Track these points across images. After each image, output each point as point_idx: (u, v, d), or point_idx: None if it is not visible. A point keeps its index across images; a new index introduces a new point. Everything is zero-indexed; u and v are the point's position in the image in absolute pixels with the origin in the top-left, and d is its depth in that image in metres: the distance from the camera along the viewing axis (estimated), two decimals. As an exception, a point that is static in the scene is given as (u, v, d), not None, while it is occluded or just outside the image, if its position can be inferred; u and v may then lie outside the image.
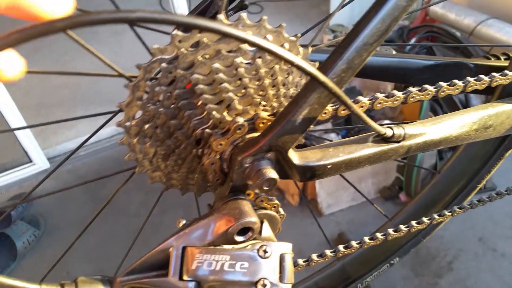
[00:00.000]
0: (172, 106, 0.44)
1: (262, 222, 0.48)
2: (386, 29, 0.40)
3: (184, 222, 0.43)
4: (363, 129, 1.81)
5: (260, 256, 0.41)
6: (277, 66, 0.46)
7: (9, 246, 1.85)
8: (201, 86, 0.43)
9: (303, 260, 0.62)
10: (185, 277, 0.40)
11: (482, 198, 0.76)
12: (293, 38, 0.47)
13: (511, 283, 1.64)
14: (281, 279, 0.40)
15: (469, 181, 0.83)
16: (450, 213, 0.73)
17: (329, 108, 0.46)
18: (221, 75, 0.43)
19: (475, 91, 0.57)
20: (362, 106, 0.47)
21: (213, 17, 0.60)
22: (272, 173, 0.42)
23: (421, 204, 0.87)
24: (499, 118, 0.62)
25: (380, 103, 0.49)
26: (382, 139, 0.49)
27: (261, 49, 0.29)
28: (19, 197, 2.08)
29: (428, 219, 0.71)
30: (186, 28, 0.41)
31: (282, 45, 0.46)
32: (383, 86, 2.00)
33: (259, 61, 0.45)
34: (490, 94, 0.72)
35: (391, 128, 0.49)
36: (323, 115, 0.45)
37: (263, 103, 0.46)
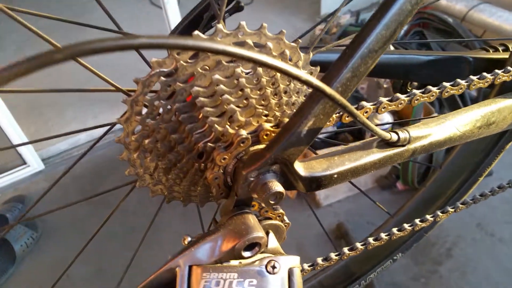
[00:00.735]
0: (172, 120, 0.43)
1: (267, 233, 0.48)
2: (391, 35, 0.39)
3: (189, 239, 0.42)
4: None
5: (269, 272, 0.40)
6: (278, 75, 0.45)
7: (7, 249, 1.83)
8: (201, 98, 0.42)
9: (308, 265, 0.61)
10: (193, 297, 0.39)
11: (484, 193, 0.76)
12: (293, 44, 0.45)
13: (510, 267, 1.66)
14: (291, 293, 0.40)
15: (470, 175, 0.82)
16: (453, 209, 0.73)
17: (333, 115, 0.45)
18: (222, 86, 0.42)
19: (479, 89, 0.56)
20: (366, 112, 0.46)
21: (210, 20, 0.58)
22: (278, 187, 0.41)
23: (423, 199, 0.87)
24: (502, 114, 0.62)
25: (384, 107, 0.48)
26: (387, 143, 0.48)
27: (267, 67, 0.27)
28: (14, 199, 2.05)
29: (431, 217, 0.71)
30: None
31: (283, 52, 0.45)
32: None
33: (260, 70, 0.43)
34: (489, 87, 0.71)
35: (396, 132, 0.48)
36: (328, 123, 0.44)
37: (266, 113, 0.45)
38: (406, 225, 0.69)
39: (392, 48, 0.75)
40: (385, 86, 1.94)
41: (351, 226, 1.82)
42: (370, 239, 0.66)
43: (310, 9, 2.97)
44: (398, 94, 0.49)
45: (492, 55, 0.77)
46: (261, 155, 0.41)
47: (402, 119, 2.05)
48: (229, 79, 0.42)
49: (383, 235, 0.67)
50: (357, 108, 0.46)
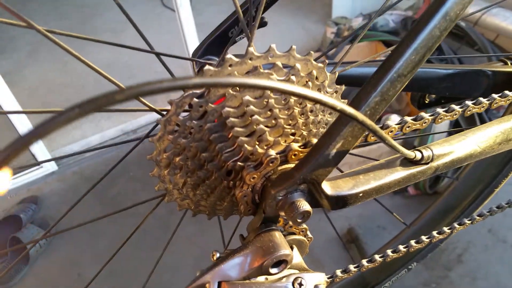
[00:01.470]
0: (203, 139, 0.44)
1: (292, 248, 0.49)
2: (420, 59, 0.40)
3: (218, 255, 0.44)
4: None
5: (296, 289, 0.41)
6: (305, 94, 0.46)
7: (21, 250, 1.86)
8: (232, 119, 0.43)
9: (328, 277, 0.62)
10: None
11: (501, 205, 0.77)
12: (320, 65, 0.46)
13: (521, 274, 1.65)
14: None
15: (486, 187, 0.83)
16: (470, 221, 0.73)
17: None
18: (252, 107, 0.43)
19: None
20: (391, 131, 0.47)
21: (237, 35, 0.59)
22: (305, 206, 0.42)
23: (439, 209, 0.88)
24: (521, 129, 0.62)
25: (409, 126, 0.49)
26: (411, 161, 0.49)
27: (307, 99, 0.28)
28: (28, 200, 2.08)
29: (448, 229, 0.72)
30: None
31: (310, 72, 0.46)
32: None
33: (288, 90, 0.44)
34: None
35: (420, 151, 0.49)
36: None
37: (293, 131, 0.46)
38: (424, 238, 0.70)
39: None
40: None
41: (361, 230, 1.82)
42: (389, 251, 0.67)
43: (321, 11, 2.98)
44: (423, 113, 0.49)
45: (511, 68, 0.77)
46: (290, 175, 0.42)
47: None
48: (259, 100, 0.44)
49: (401, 247, 0.68)
50: (382, 128, 0.47)
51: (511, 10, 2.25)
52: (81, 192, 2.23)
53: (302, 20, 2.97)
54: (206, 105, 0.43)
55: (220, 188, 0.48)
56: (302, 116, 0.46)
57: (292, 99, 0.45)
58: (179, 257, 1.77)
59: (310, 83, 0.46)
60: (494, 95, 0.55)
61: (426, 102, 0.80)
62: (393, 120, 2.00)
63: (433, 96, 0.79)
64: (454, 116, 0.52)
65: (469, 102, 0.53)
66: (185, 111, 0.43)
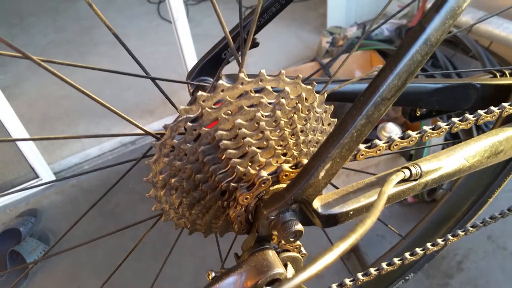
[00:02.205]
0: (197, 161, 0.46)
1: (286, 265, 0.50)
2: (403, 84, 0.41)
3: (213, 274, 0.45)
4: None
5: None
6: (295, 116, 0.47)
7: (20, 263, 1.86)
8: (225, 141, 0.45)
9: (323, 290, 0.63)
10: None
11: (494, 215, 0.78)
12: (309, 87, 0.48)
13: (522, 281, 1.66)
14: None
15: (480, 197, 0.84)
16: (463, 232, 0.75)
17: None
18: (243, 129, 0.45)
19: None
20: (379, 150, 0.49)
21: (229, 56, 0.61)
22: (297, 226, 0.43)
23: (433, 220, 0.89)
24: (510, 143, 0.64)
25: (396, 144, 0.50)
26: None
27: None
28: (27, 213, 2.09)
29: (442, 241, 0.73)
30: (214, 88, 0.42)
31: (299, 95, 0.47)
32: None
33: (278, 113, 0.46)
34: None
35: (408, 168, 0.50)
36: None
37: (284, 152, 0.48)
38: (418, 250, 0.71)
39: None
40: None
41: (361, 240, 1.83)
42: (384, 264, 0.68)
43: (316, 21, 3.01)
44: (409, 132, 0.51)
45: (500, 80, 0.79)
46: (281, 195, 0.44)
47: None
48: (250, 122, 0.45)
49: (396, 260, 0.69)
50: (370, 147, 0.49)
51: (504, 18, 2.28)
52: (80, 204, 2.23)
53: (296, 30, 3.00)
54: (199, 129, 0.44)
55: (215, 208, 0.49)
56: (292, 136, 0.48)
57: (283, 121, 0.46)
58: (179, 268, 1.77)
59: (299, 105, 0.47)
60: (480, 112, 0.57)
61: (418, 115, 0.81)
62: (389, 128, 2.01)
63: (424, 109, 0.80)
64: (441, 134, 0.53)
65: (455, 119, 0.55)
66: (179, 134, 0.45)
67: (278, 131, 0.47)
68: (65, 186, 2.19)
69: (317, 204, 0.45)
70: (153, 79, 0.51)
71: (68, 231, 0.58)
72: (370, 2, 2.84)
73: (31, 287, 1.82)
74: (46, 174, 2.18)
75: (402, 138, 0.51)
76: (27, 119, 2.39)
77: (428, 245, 0.72)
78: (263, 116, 0.45)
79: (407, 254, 0.71)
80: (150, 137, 2.43)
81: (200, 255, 1.83)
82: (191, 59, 2.25)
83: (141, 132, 0.46)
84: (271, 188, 0.46)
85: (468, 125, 0.56)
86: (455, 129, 0.55)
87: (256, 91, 0.45)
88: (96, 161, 2.27)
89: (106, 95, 2.63)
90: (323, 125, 0.51)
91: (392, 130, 1.99)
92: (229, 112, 0.45)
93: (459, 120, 0.55)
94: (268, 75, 0.45)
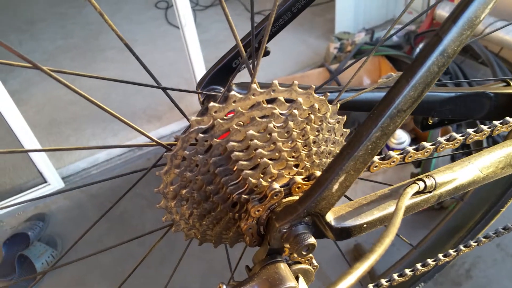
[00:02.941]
0: (208, 172, 0.45)
1: (297, 277, 0.49)
2: (419, 95, 0.41)
3: (224, 287, 0.44)
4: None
5: (302, 321, 0.41)
6: (308, 127, 0.47)
7: (28, 267, 1.87)
8: (236, 153, 0.44)
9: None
10: None
11: (507, 226, 0.77)
12: (322, 98, 0.47)
13: (532, 289, 1.63)
14: None
15: (492, 207, 0.83)
16: (476, 243, 0.73)
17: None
18: (255, 141, 0.44)
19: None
20: (393, 161, 0.48)
21: (240, 65, 0.61)
22: (310, 239, 0.43)
23: (445, 230, 0.88)
24: (524, 153, 0.62)
25: (410, 156, 0.49)
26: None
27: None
28: (35, 218, 2.10)
29: (454, 251, 0.72)
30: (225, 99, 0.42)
31: (312, 106, 0.47)
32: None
33: (291, 123, 0.46)
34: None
35: (423, 180, 0.49)
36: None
37: (296, 163, 0.47)
38: (429, 261, 0.70)
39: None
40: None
41: (369, 247, 1.82)
42: (395, 275, 0.67)
43: (324, 27, 3.00)
44: (424, 143, 0.50)
45: (512, 89, 0.78)
46: (294, 208, 0.43)
47: (419, 138, 2.05)
48: (262, 133, 0.45)
49: (407, 271, 0.68)
50: (384, 159, 0.48)
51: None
52: (88, 210, 2.24)
53: (304, 36, 2.99)
54: (211, 140, 0.44)
55: (225, 219, 0.48)
56: (305, 148, 0.47)
57: (295, 132, 0.46)
58: (187, 274, 1.77)
59: (312, 115, 0.47)
60: (496, 122, 0.56)
61: (430, 123, 0.80)
62: (398, 135, 1.99)
63: (436, 118, 0.79)
64: (456, 145, 0.52)
65: (470, 130, 0.54)
66: (190, 145, 0.45)
67: (290, 142, 0.46)
68: (73, 191, 2.20)
69: (330, 217, 0.44)
70: (164, 89, 0.50)
71: (77, 242, 0.58)
72: (379, 7, 2.83)
73: (38, 292, 1.83)
74: (54, 179, 2.19)
75: (416, 149, 0.50)
76: (35, 123, 2.40)
77: (440, 256, 0.71)
78: (275, 127, 0.45)
79: (418, 265, 0.70)
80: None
81: (207, 260, 1.82)
82: (199, 65, 2.25)
83: (152, 142, 0.45)
84: (283, 200, 0.46)
85: (483, 136, 0.55)
86: (469, 140, 0.54)
87: (268, 102, 0.45)
88: (104, 166, 2.28)
89: (113, 100, 2.64)
90: (336, 136, 0.51)
91: (401, 137, 1.98)
92: (241, 123, 0.44)
93: (474, 131, 0.54)
94: (280, 85, 0.44)
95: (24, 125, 1.98)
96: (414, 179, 0.51)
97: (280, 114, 0.45)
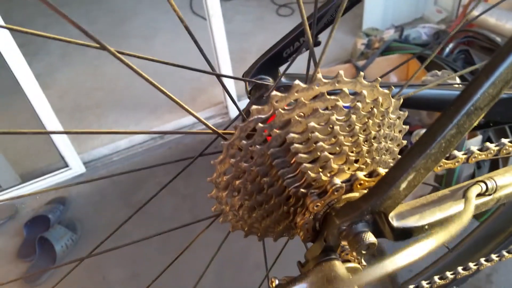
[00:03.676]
0: (264, 163, 0.44)
1: (348, 277, 0.48)
2: (498, 93, 0.38)
3: (277, 282, 0.43)
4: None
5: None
6: (370, 121, 0.45)
7: (48, 249, 1.89)
8: (296, 145, 0.42)
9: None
10: None
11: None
12: (386, 91, 0.45)
13: (555, 296, 1.59)
14: None
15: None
16: (520, 251, 0.71)
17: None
18: (316, 133, 0.42)
19: None
20: (458, 161, 0.46)
21: (291, 55, 0.59)
22: (371, 238, 0.41)
23: (483, 235, 0.85)
24: None
25: (475, 157, 0.47)
26: (475, 193, 0.47)
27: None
28: (56, 201, 2.12)
29: (497, 256, 0.69)
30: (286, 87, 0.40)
31: (376, 99, 0.45)
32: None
33: (353, 117, 0.44)
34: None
35: (484, 182, 0.47)
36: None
37: (356, 158, 0.45)
38: (471, 264, 0.68)
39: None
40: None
41: (386, 245, 1.79)
42: (436, 278, 0.65)
43: (352, 22, 2.95)
44: (488, 144, 0.48)
45: None
46: (357, 205, 0.41)
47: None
48: (324, 126, 0.43)
49: (448, 274, 0.66)
50: (448, 158, 0.46)
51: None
52: (108, 195, 2.25)
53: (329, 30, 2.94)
54: (270, 130, 0.42)
55: (278, 213, 0.47)
56: (366, 143, 0.45)
57: (357, 126, 0.44)
58: (203, 263, 1.77)
59: (375, 109, 0.45)
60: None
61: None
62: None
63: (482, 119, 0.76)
64: (489, 155, 0.50)
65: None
66: (248, 135, 0.43)
67: (352, 136, 0.44)
68: (94, 176, 2.21)
69: (392, 216, 0.43)
70: (218, 76, 0.49)
71: (104, 241, 0.57)
72: (408, 4, 2.77)
73: (57, 274, 1.84)
74: (75, 164, 2.21)
75: (480, 150, 0.48)
76: (58, 108, 2.42)
77: (482, 260, 0.68)
78: (337, 120, 0.43)
79: (460, 269, 0.68)
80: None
81: (224, 251, 1.82)
82: (224, 56, 2.24)
83: (208, 130, 0.44)
84: (343, 196, 0.44)
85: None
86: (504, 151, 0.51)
87: (328, 93, 0.43)
88: (125, 153, 2.29)
89: (136, 88, 2.64)
90: (395, 132, 0.49)
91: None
92: (302, 114, 0.42)
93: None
94: (345, 78, 0.43)
95: (49, 109, 2.00)
96: (474, 180, 0.48)
97: (343, 106, 0.43)
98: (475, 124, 0.39)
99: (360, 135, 0.44)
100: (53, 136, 2.09)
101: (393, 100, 0.46)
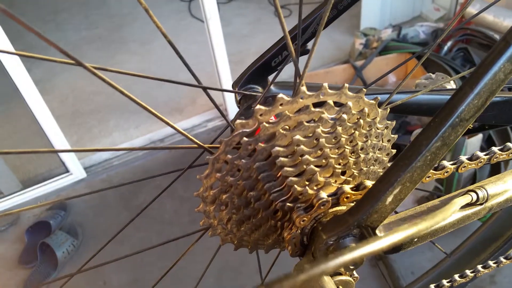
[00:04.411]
0: (251, 177, 0.43)
1: (338, 289, 0.47)
2: (483, 104, 0.38)
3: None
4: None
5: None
6: (356, 132, 0.44)
7: (50, 255, 1.90)
8: (281, 158, 0.42)
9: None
10: None
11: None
12: (372, 102, 0.45)
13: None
14: None
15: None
16: (517, 256, 0.70)
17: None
18: (302, 146, 0.42)
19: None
20: (447, 172, 0.45)
21: (279, 64, 0.59)
22: (358, 252, 0.40)
23: (481, 239, 0.84)
24: None
25: (464, 166, 0.47)
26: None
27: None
28: (57, 207, 2.12)
29: (494, 263, 0.68)
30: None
31: (362, 110, 0.44)
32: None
33: (339, 129, 0.43)
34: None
35: (475, 192, 0.47)
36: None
37: (343, 171, 0.45)
38: (468, 272, 0.67)
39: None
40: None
41: (394, 255, 1.78)
42: (432, 286, 0.64)
43: (349, 23, 2.94)
44: (509, 144, 0.48)
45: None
46: (343, 219, 0.41)
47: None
48: (309, 139, 0.42)
49: (444, 282, 0.65)
50: (438, 169, 0.45)
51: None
52: (109, 200, 2.25)
53: (328, 31, 2.93)
54: (255, 144, 0.42)
55: (266, 227, 0.47)
56: (353, 154, 0.45)
57: (344, 138, 0.43)
58: (203, 268, 1.77)
59: (361, 120, 0.44)
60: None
61: (469, 128, 0.77)
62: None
63: (476, 122, 0.76)
64: (479, 165, 0.49)
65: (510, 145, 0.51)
66: (233, 148, 0.43)
67: (338, 148, 0.44)
68: (95, 181, 2.22)
69: (380, 229, 0.42)
70: (204, 89, 0.49)
71: (105, 247, 0.57)
72: (406, 3, 2.76)
73: (58, 282, 1.85)
74: (76, 169, 2.21)
75: (470, 159, 0.47)
76: (59, 114, 2.42)
77: (479, 267, 0.68)
78: (323, 132, 0.43)
79: (456, 276, 0.67)
80: (179, 135, 2.43)
81: (224, 255, 1.82)
82: (222, 59, 2.23)
83: (193, 145, 0.44)
84: (330, 210, 0.43)
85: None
86: (494, 159, 0.51)
87: (314, 105, 0.42)
88: (125, 157, 2.29)
89: (135, 92, 2.63)
90: (383, 142, 0.48)
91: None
92: (287, 127, 0.42)
93: (500, 149, 0.51)
94: (330, 88, 0.42)
95: (49, 115, 2.00)
96: (465, 189, 0.48)
97: (329, 118, 0.43)
98: (461, 136, 0.38)
99: (346, 146, 0.44)
100: (53, 141, 2.10)
101: (379, 110, 0.46)
